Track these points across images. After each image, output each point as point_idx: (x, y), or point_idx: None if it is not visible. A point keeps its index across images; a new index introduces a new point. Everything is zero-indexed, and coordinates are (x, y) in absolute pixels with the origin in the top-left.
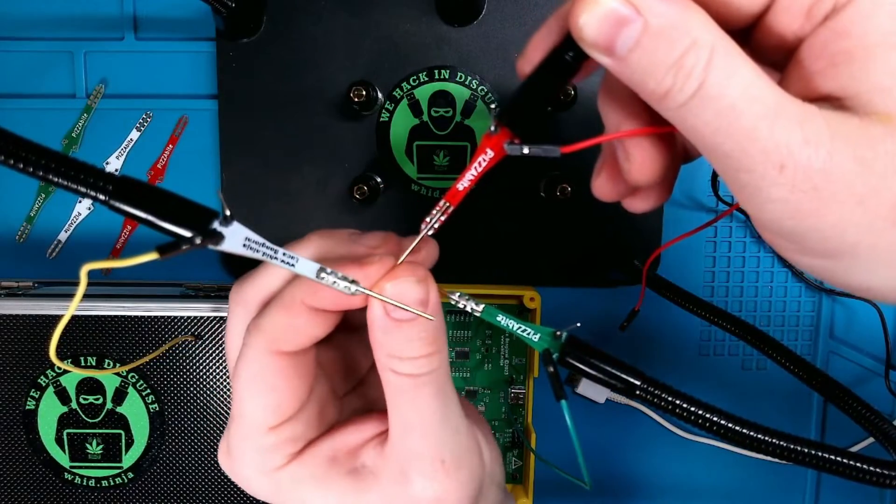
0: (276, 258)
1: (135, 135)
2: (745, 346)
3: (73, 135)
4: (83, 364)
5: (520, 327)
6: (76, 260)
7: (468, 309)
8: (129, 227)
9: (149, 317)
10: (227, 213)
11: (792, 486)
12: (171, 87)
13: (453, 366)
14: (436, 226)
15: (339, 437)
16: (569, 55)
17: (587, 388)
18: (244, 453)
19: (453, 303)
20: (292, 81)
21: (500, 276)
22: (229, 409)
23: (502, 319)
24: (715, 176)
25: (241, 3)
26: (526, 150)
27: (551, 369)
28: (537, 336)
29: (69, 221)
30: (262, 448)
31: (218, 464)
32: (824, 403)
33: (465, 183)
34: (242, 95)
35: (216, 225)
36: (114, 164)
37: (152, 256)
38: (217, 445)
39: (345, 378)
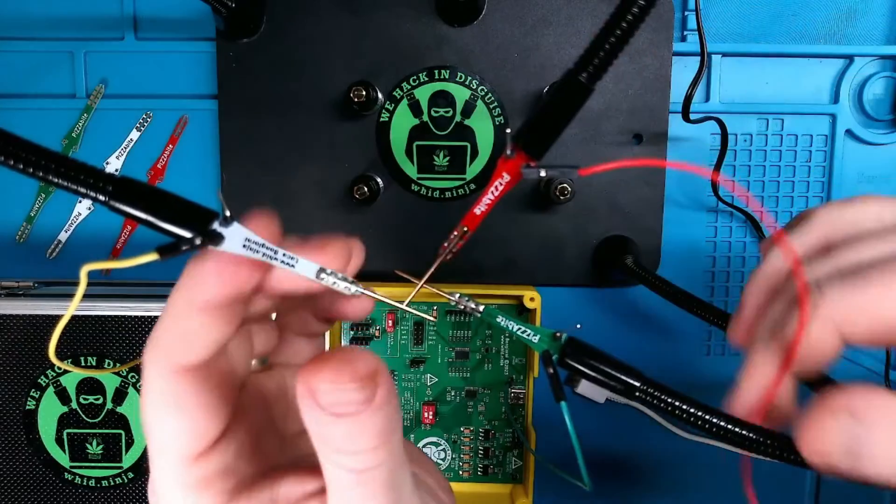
0: (275, 259)
1: (135, 135)
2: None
3: (73, 135)
4: (83, 364)
5: (519, 328)
6: (76, 260)
7: (468, 310)
8: (130, 227)
9: (149, 317)
10: (227, 213)
11: (792, 486)
12: (171, 87)
13: (454, 366)
14: (454, 250)
15: (278, 487)
16: (583, 76)
17: (587, 388)
18: (171, 494)
19: (453, 304)
20: (292, 81)
21: (500, 276)
22: None
23: (502, 320)
24: (715, 176)
25: (241, 3)
26: (543, 174)
27: (551, 371)
28: (537, 337)
29: (69, 221)
30: (189, 485)
31: None
32: None
33: (482, 207)
34: (242, 95)
35: (216, 226)
36: (114, 164)
37: (152, 257)
38: None
39: (296, 415)
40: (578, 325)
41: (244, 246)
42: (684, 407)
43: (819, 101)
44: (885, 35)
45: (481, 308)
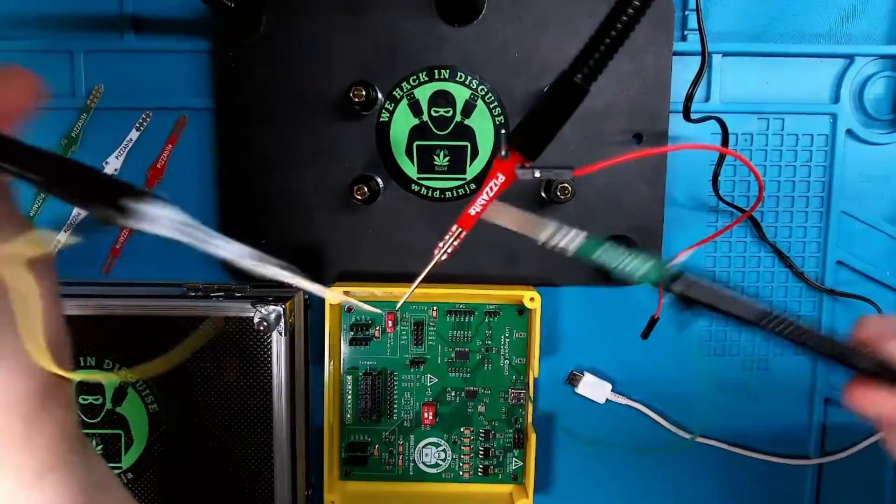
0: (207, 242)
1: (134, 135)
2: (745, 345)
3: (73, 135)
4: (83, 365)
5: (625, 263)
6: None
7: (561, 246)
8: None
9: (149, 317)
10: (146, 189)
11: (793, 487)
12: (171, 87)
13: (454, 366)
14: (449, 250)
15: None
16: (578, 77)
17: (587, 389)
18: None
19: (541, 241)
20: (292, 82)
21: (502, 276)
22: (229, 409)
23: (602, 253)
24: (716, 176)
25: (240, 4)
26: (537, 174)
27: (675, 290)
28: (645, 268)
29: (68, 221)
30: None
31: (217, 465)
32: (825, 403)
33: (477, 208)
34: (242, 96)
35: (129, 201)
36: (113, 164)
37: (72, 240)
38: (217, 446)
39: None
40: (685, 255)
41: (172, 226)
42: (808, 332)
43: (820, 100)
44: (885, 35)
45: (578, 241)
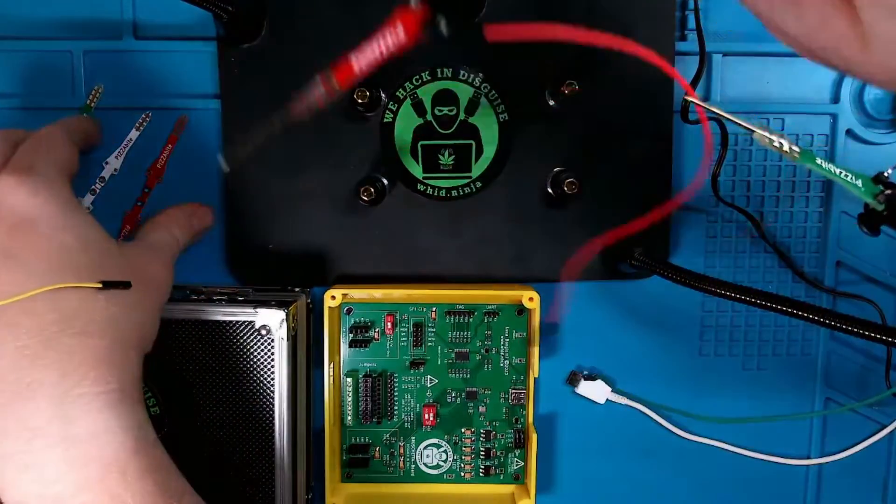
0: None
1: (134, 134)
2: (745, 346)
3: None
4: None
5: (841, 172)
6: None
7: (785, 149)
8: (129, 227)
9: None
10: None
11: (793, 487)
12: (171, 87)
13: (454, 367)
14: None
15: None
16: None
17: (587, 389)
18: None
19: (766, 144)
20: (295, 85)
21: (509, 273)
22: (232, 414)
23: (822, 162)
24: (715, 176)
25: (241, 9)
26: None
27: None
28: (859, 181)
29: None
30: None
31: (221, 468)
32: (825, 404)
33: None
34: (245, 100)
35: None
36: (113, 164)
37: None
38: (219, 450)
39: None
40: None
41: None
42: None
43: (820, 100)
44: None
45: (798, 150)
